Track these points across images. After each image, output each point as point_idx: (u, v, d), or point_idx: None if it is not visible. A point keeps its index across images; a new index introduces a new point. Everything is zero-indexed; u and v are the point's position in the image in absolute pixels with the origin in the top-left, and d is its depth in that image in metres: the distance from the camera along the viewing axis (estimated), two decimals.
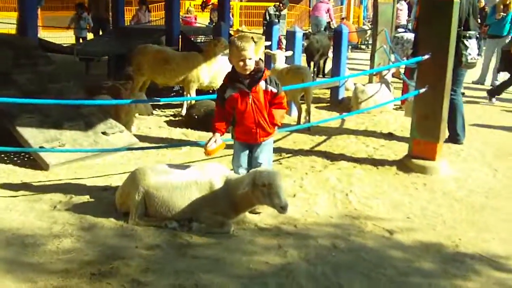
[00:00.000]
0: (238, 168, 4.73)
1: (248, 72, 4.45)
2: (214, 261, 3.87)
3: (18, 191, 5.12)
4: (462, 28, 6.54)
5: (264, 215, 4.63)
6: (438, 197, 5.37)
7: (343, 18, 21.36)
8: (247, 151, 4.74)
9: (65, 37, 16.86)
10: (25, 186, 5.26)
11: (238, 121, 4.58)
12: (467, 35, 6.56)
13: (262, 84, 4.50)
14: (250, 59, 4.40)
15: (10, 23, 15.46)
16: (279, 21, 15.74)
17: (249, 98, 4.48)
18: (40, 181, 5.42)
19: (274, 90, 4.54)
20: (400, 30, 10.95)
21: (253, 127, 4.56)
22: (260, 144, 4.67)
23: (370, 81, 10.42)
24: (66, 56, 10.83)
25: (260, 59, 9.21)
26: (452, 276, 3.83)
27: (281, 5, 17.08)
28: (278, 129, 4.95)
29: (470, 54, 6.57)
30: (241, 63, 4.40)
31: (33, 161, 5.89)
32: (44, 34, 18.07)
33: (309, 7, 25.75)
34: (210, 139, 4.51)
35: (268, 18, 16.28)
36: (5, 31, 15.38)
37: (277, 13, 16.59)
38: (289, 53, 8.58)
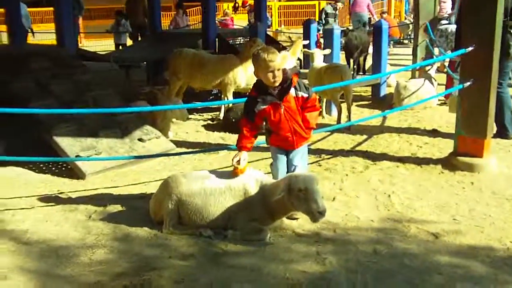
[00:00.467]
0: (277, 172, 4.59)
1: (277, 84, 4.32)
2: (250, 271, 3.72)
3: (55, 201, 5.12)
4: (509, 18, 6.24)
5: (302, 221, 4.46)
6: (486, 196, 5.09)
7: (383, 13, 20.94)
8: (284, 155, 4.61)
9: (106, 45, 17.08)
10: (62, 196, 5.26)
11: (273, 131, 4.50)
12: None
13: (292, 91, 4.39)
14: (278, 70, 4.27)
15: (50, 33, 15.73)
16: (335, 19, 15.12)
17: (281, 109, 4.37)
18: (76, 190, 5.40)
19: (305, 95, 4.44)
20: (443, 22, 10.56)
21: (289, 135, 4.46)
22: (300, 150, 4.58)
23: (413, 77, 10.10)
24: (105, 64, 10.93)
25: (299, 58, 9.04)
26: (504, 283, 3.56)
27: (338, 3, 16.39)
28: (314, 131, 4.79)
29: None
30: (270, 75, 4.27)
31: (70, 170, 5.90)
32: (86, 43, 18.35)
33: (349, 3, 25.38)
34: (238, 157, 4.40)
35: (324, 16, 15.76)
36: (48, 42, 15.70)
37: (334, 11, 15.97)
38: (327, 51, 8.39)
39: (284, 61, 9.70)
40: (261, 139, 4.67)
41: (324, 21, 14.98)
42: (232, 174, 4.40)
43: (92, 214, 4.74)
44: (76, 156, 5.86)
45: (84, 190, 5.41)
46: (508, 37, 6.26)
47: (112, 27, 15.56)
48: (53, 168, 6.06)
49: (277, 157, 4.61)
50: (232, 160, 4.43)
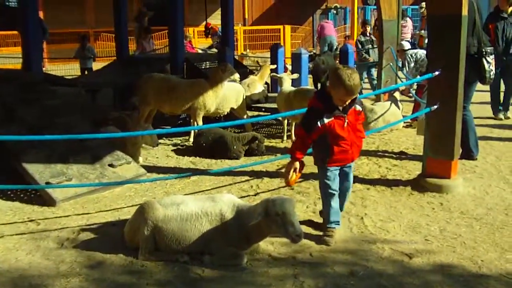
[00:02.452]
0: (335, 191, 4.63)
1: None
2: None
3: (25, 229, 5.02)
4: (483, 45, 6.53)
5: (278, 244, 4.48)
6: (456, 216, 5.21)
7: (347, 37, 21.33)
8: (337, 174, 4.66)
9: (71, 70, 16.92)
10: (32, 224, 5.16)
11: (333, 145, 4.48)
12: (488, 50, 6.54)
13: (353, 106, 4.48)
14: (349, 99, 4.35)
15: (12, 57, 15.53)
16: (373, 47, 13.70)
17: (345, 122, 4.42)
18: (47, 218, 5.31)
19: (360, 109, 4.57)
20: (405, 44, 10.72)
21: (349, 148, 4.52)
22: (349, 165, 4.70)
23: (379, 100, 10.29)
24: (71, 89, 10.80)
25: (266, 83, 9.09)
26: None
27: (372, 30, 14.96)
28: (283, 156, 4.86)
29: (492, 70, 6.56)
30: (347, 99, 4.34)
31: (40, 197, 5.80)
32: (50, 67, 18.14)
33: (312, 28, 25.78)
34: (289, 167, 4.44)
35: (360, 47, 14.22)
36: (11, 66, 15.47)
37: (368, 37, 14.06)
38: (295, 75, 8.51)
39: (264, 75, 9.82)
40: (237, 163, 4.68)
41: (363, 52, 13.30)
42: (286, 183, 4.52)
43: (65, 241, 4.67)
44: (46, 183, 5.76)
45: (55, 217, 5.32)
46: (483, 63, 6.51)
47: (77, 51, 15.45)
48: (22, 195, 5.94)
49: (332, 179, 4.60)
50: (286, 170, 4.48)
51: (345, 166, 4.67)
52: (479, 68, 6.50)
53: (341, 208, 4.85)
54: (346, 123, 4.42)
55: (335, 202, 4.67)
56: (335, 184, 4.63)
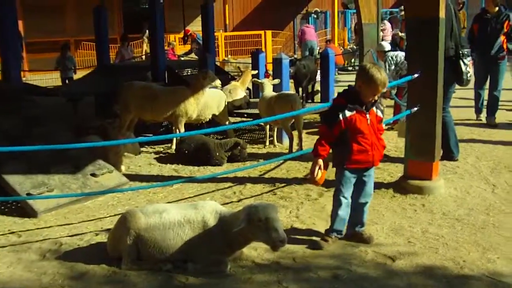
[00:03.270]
0: (346, 199, 4.59)
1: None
2: None
3: (6, 241, 4.96)
4: (460, 47, 6.64)
5: (262, 250, 4.48)
6: (438, 218, 5.25)
7: (328, 41, 21.43)
8: (354, 181, 4.60)
9: (52, 79, 16.79)
10: (13, 236, 5.09)
11: (353, 142, 4.43)
12: (465, 53, 6.65)
13: (374, 107, 4.50)
14: (376, 95, 4.40)
15: None
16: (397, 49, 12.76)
17: (367, 120, 4.42)
18: (28, 229, 5.25)
19: (381, 116, 4.58)
20: (385, 44, 10.69)
21: (369, 149, 4.46)
22: (369, 170, 4.61)
23: None
24: (53, 98, 10.73)
25: (248, 88, 9.08)
26: None
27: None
28: (267, 161, 4.85)
29: (469, 71, 6.67)
30: (376, 95, 4.38)
31: (21, 209, 5.73)
32: (30, 77, 17.99)
33: (293, 33, 25.87)
34: (314, 166, 4.42)
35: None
36: None
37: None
38: (277, 81, 8.51)
39: (245, 81, 9.82)
40: (220, 170, 4.67)
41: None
42: (312, 182, 4.54)
43: (47, 253, 4.62)
44: (27, 194, 5.71)
45: (37, 228, 5.27)
46: (461, 65, 6.62)
47: (58, 61, 15.34)
48: (3, 207, 5.86)
49: (348, 183, 4.56)
50: (311, 169, 4.45)
51: (364, 172, 4.57)
52: (457, 70, 6.60)
53: (360, 222, 4.73)
54: (368, 120, 4.42)
55: (342, 210, 4.59)
56: (347, 191, 4.57)
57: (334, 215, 4.64)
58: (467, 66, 6.65)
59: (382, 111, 4.60)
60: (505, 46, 9.18)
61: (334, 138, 4.44)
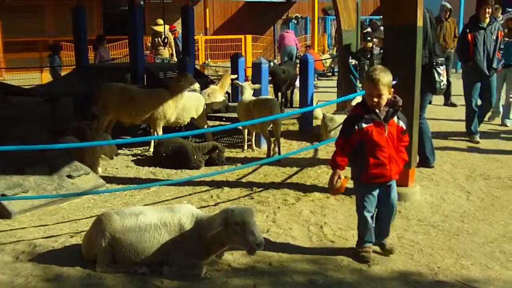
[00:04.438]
0: (370, 213, 4.44)
1: (382, 106, 4.28)
2: None
3: None
4: (433, 56, 6.67)
5: (238, 254, 4.48)
6: (413, 224, 5.30)
7: (308, 47, 21.53)
8: (376, 193, 4.43)
9: (31, 79, 16.60)
10: None
11: (369, 156, 4.30)
12: (439, 61, 6.68)
13: (395, 118, 4.34)
14: (377, 95, 4.23)
15: None
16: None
17: (385, 131, 4.28)
18: (2, 230, 5.17)
19: (404, 127, 4.39)
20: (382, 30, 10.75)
21: (387, 163, 4.30)
22: (389, 184, 4.42)
23: (339, 109, 10.40)
24: (30, 98, 10.61)
25: (227, 92, 9.05)
26: None
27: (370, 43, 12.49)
28: (244, 165, 4.83)
29: (442, 80, 6.71)
30: (371, 95, 4.26)
31: None
32: (7, 76, 17.78)
33: (273, 38, 25.95)
34: (332, 177, 4.35)
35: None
36: None
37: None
38: (258, 86, 8.52)
39: (224, 84, 9.81)
40: (197, 173, 4.66)
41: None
42: (332, 192, 4.49)
43: (20, 255, 4.56)
44: (2, 194, 5.63)
45: (11, 230, 5.20)
46: (434, 74, 6.66)
47: (51, 61, 15.23)
48: None
49: (369, 197, 4.41)
50: (330, 179, 4.37)
51: (384, 186, 4.41)
52: (429, 79, 6.64)
53: (384, 234, 4.59)
54: (386, 132, 4.28)
55: (369, 224, 4.47)
56: (369, 205, 4.43)
57: (362, 229, 4.52)
58: (441, 75, 6.70)
59: (405, 121, 4.43)
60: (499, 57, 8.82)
61: (352, 150, 4.36)
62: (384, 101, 4.26)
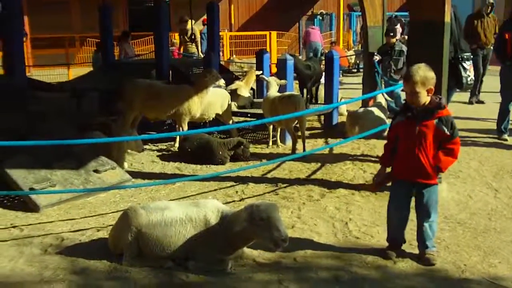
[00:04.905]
0: (396, 211, 4.45)
1: (419, 104, 4.19)
2: None
3: (8, 235, 4.97)
4: (459, 52, 6.59)
5: (263, 249, 4.48)
6: (440, 221, 5.22)
7: (332, 43, 21.41)
8: (407, 192, 4.40)
9: (58, 75, 16.81)
10: (15, 230, 5.11)
11: (398, 152, 4.36)
12: (465, 57, 6.59)
13: (436, 121, 4.16)
14: (411, 93, 4.18)
15: None
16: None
17: (415, 130, 4.21)
18: (30, 224, 5.27)
19: (447, 133, 4.17)
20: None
21: (411, 163, 4.25)
22: (423, 187, 4.31)
23: (364, 105, 10.33)
24: (57, 94, 10.74)
25: (252, 88, 8.99)
26: None
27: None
28: (269, 161, 4.82)
29: (469, 76, 6.61)
30: (407, 92, 4.22)
31: (24, 203, 5.75)
32: (35, 72, 18.01)
33: (298, 34, 25.85)
34: (378, 172, 4.54)
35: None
36: None
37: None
38: (284, 82, 8.49)
39: (250, 81, 9.81)
40: (222, 169, 4.67)
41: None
42: (370, 188, 4.75)
43: (48, 247, 4.63)
44: (30, 188, 5.72)
45: (39, 223, 5.28)
46: (460, 69, 6.58)
47: (94, 58, 15.48)
48: (5, 201, 5.88)
49: (397, 194, 4.43)
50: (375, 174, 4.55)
51: (415, 186, 4.33)
52: (456, 74, 6.56)
53: (419, 241, 4.44)
54: (417, 132, 4.19)
55: (390, 220, 4.51)
56: (395, 201, 4.45)
57: (387, 224, 4.59)
58: (467, 70, 6.62)
59: (453, 128, 4.18)
60: None
61: (393, 145, 4.43)
62: (419, 99, 4.16)
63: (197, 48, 15.80)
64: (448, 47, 5.92)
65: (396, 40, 10.37)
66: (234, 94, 9.30)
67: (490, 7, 11.93)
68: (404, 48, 10.07)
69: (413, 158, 4.24)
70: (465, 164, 7.12)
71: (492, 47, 11.75)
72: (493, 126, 8.90)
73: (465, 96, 11.92)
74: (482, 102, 12.14)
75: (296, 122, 7.93)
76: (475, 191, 6.15)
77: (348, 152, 7.98)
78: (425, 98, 4.17)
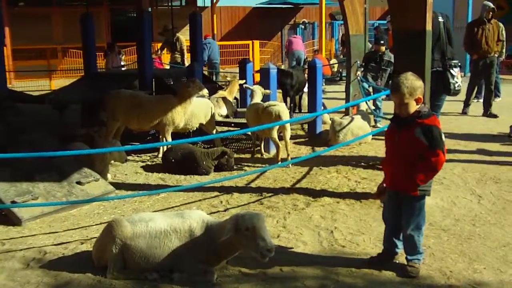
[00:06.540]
0: (386, 219, 4.47)
1: (408, 114, 4.12)
2: None
3: None
4: (446, 59, 6.70)
5: (248, 260, 4.45)
6: (424, 228, 5.23)
7: (315, 51, 21.50)
8: (394, 201, 4.33)
9: (40, 86, 16.68)
10: None
11: (385, 160, 4.42)
12: (452, 64, 6.71)
13: (416, 131, 4.05)
14: (399, 104, 4.12)
15: None
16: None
17: (396, 138, 4.19)
18: (12, 238, 5.18)
19: (425, 143, 4.01)
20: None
21: (392, 171, 4.25)
22: (403, 197, 4.23)
23: (347, 114, 10.37)
24: (39, 106, 10.65)
25: (235, 98, 8.98)
26: None
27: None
28: (254, 171, 4.81)
29: (456, 82, 6.74)
30: (396, 102, 4.19)
31: (5, 217, 5.65)
32: (16, 84, 17.87)
33: (281, 43, 25.96)
34: (383, 181, 4.46)
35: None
36: None
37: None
38: (269, 91, 8.49)
39: (233, 90, 9.78)
40: (206, 179, 4.65)
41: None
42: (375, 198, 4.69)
43: (31, 262, 4.56)
44: (12, 202, 5.64)
45: (21, 237, 5.20)
46: (448, 76, 6.69)
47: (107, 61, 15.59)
48: None
49: (387, 203, 4.45)
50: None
51: (399, 196, 4.27)
52: (444, 81, 6.68)
53: (405, 251, 4.40)
54: (397, 139, 4.17)
55: (384, 229, 4.52)
56: (386, 210, 4.50)
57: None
58: (455, 77, 6.73)
59: (434, 139, 4.01)
60: None
61: None
62: (408, 109, 4.10)
63: (182, 58, 15.77)
64: (430, 56, 5.98)
65: (386, 49, 10.41)
66: (217, 104, 9.28)
67: (491, 13, 11.33)
68: (393, 59, 10.13)
69: (393, 167, 4.25)
70: (449, 171, 7.16)
71: (495, 55, 11.46)
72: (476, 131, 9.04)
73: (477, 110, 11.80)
74: (495, 116, 11.19)
75: (280, 131, 7.93)
76: (459, 197, 6.19)
77: (332, 160, 7.98)
78: (413, 107, 4.11)
